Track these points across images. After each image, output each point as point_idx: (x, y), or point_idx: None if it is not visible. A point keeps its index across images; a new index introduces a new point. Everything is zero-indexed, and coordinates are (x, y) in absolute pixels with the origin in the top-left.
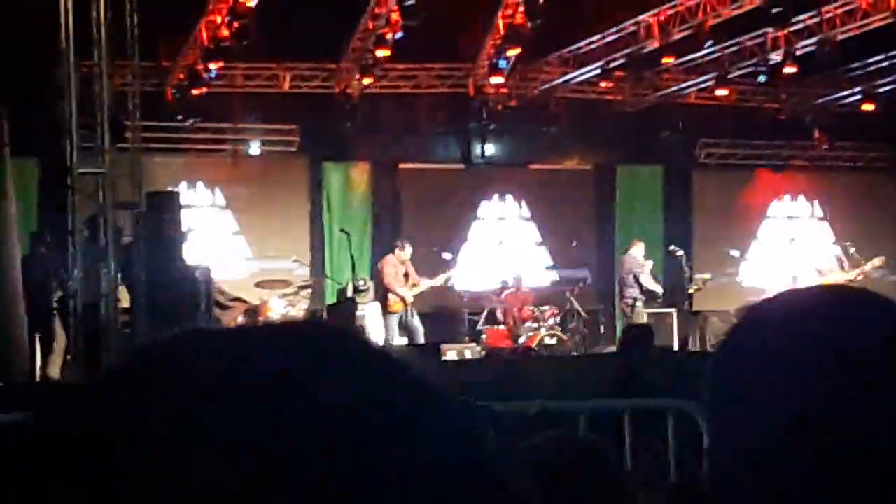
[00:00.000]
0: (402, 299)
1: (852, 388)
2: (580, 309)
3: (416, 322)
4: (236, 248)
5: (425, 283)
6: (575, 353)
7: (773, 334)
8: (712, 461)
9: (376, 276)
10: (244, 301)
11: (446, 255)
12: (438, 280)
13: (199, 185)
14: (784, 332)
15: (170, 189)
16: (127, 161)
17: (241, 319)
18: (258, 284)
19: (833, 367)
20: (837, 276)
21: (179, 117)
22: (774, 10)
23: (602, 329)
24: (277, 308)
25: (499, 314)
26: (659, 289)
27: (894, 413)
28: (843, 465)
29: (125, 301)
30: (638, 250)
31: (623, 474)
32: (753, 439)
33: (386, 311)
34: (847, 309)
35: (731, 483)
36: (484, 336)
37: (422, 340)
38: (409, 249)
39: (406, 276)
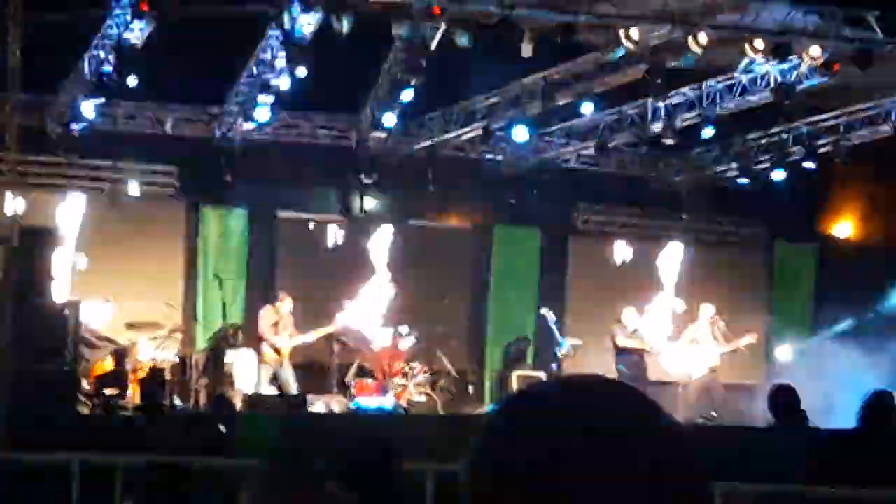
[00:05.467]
0: (276, 350)
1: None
2: (450, 367)
3: (289, 374)
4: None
5: (300, 338)
6: (442, 413)
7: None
8: None
9: (252, 324)
10: (113, 341)
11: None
12: (317, 334)
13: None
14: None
15: (44, 225)
16: (2, 195)
17: (108, 359)
18: (128, 326)
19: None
20: (711, 348)
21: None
22: (654, 81)
23: (471, 389)
24: (146, 350)
25: (369, 367)
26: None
27: None
28: None
29: None
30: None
31: None
32: None
33: (259, 360)
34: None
35: None
36: (352, 389)
37: (294, 392)
38: (288, 302)
39: (276, 325)
